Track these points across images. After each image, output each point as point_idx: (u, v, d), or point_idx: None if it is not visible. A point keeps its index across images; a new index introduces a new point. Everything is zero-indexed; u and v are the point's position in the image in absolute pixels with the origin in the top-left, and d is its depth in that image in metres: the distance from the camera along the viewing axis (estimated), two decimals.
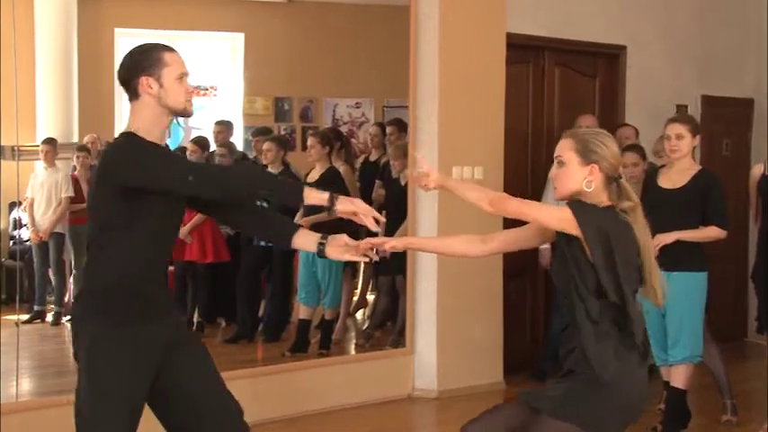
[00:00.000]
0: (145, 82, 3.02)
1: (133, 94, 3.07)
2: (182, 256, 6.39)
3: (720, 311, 6.49)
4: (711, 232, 4.91)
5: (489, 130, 6.12)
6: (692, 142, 4.99)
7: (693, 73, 7.62)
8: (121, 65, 3.10)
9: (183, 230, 6.23)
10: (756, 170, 5.19)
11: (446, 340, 5.88)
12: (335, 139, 6.18)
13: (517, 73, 6.55)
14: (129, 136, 3.03)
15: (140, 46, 3.15)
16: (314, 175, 6.10)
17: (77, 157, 6.21)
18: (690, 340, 4.94)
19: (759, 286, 5.17)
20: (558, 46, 6.86)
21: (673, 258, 4.81)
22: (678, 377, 5.00)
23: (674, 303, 4.84)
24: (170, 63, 3.07)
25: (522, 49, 6.55)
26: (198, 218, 6.24)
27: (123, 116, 6.64)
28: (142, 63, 3.06)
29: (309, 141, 6.22)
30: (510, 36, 6.21)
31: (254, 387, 5.19)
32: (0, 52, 5.17)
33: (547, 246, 6.33)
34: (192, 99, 3.15)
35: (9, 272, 5.94)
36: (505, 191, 6.12)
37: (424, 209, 5.80)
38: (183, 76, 3.09)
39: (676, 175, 5.01)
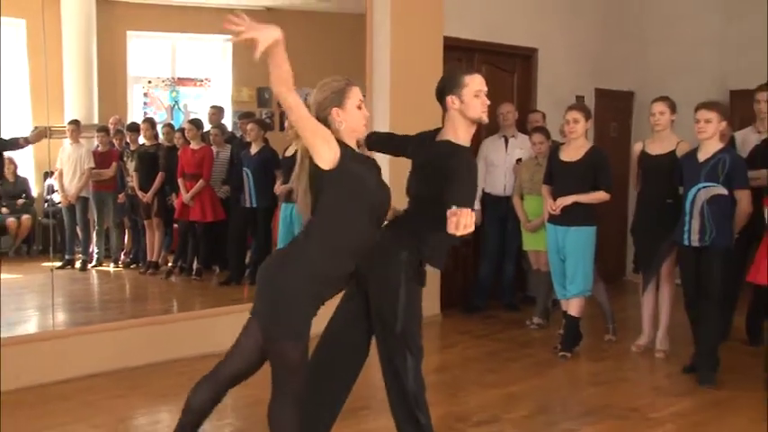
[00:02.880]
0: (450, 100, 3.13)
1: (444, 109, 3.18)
2: (186, 216, 6.35)
3: (606, 256, 6.60)
4: (600, 195, 5.05)
5: (429, 114, 5.97)
6: (585, 125, 5.11)
7: (589, 71, 7.68)
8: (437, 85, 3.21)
9: (186, 196, 6.25)
10: (637, 147, 5.30)
11: None
12: None
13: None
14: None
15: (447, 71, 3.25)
16: (291, 151, 5.87)
17: (98, 136, 6.14)
18: (583, 279, 5.10)
19: (636, 238, 5.30)
20: (485, 48, 6.86)
21: (571, 216, 5.03)
22: (573, 307, 5.18)
23: (572, 251, 5.09)
24: (468, 83, 3.13)
25: (456, 50, 6.53)
26: (198, 185, 6.22)
27: (133, 102, 6.60)
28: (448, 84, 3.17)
29: (287, 123, 6.05)
30: (447, 39, 6.21)
31: (243, 320, 5.22)
32: (30, 50, 5.14)
33: (477, 206, 6.33)
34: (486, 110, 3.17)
35: (44, 228, 5.87)
36: None
37: None
38: (480, 92, 3.13)
39: (573, 151, 5.12)
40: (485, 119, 3.16)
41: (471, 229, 2.57)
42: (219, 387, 2.89)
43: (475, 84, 3.12)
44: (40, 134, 5.34)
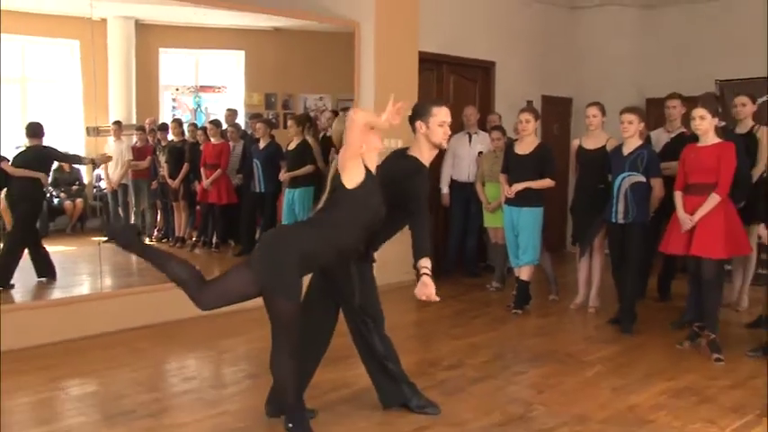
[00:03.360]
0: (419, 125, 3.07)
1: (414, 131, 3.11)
2: (206, 199, 6.36)
3: (551, 231, 6.48)
4: (547, 182, 5.10)
5: (407, 115, 6.20)
6: (535, 125, 5.15)
7: (536, 80, 7.73)
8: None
9: (206, 183, 6.22)
10: (575, 143, 5.31)
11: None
12: (306, 121, 6.13)
13: (426, 78, 6.60)
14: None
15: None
16: (292, 145, 6.02)
17: (136, 134, 6.13)
18: (532, 250, 5.17)
19: (573, 216, 5.38)
20: (452, 60, 6.91)
21: (523, 199, 5.08)
22: (524, 273, 5.26)
23: (524, 227, 5.12)
24: (436, 114, 3.04)
25: (428, 62, 6.59)
26: (216, 174, 6.21)
27: (164, 106, 6.63)
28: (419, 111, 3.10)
29: (289, 122, 6.14)
30: (421, 53, 6.25)
31: None
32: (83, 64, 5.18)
33: (446, 191, 6.42)
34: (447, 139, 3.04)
35: (93, 209, 5.89)
36: None
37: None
38: (444, 123, 3.04)
39: (525, 146, 5.16)
40: (444, 146, 3.09)
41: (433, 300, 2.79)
42: (193, 293, 2.82)
43: (441, 115, 3.07)
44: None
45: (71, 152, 5.60)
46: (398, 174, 3.08)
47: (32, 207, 4.92)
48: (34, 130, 4.78)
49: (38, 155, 4.78)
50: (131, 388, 3.62)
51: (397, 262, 6.08)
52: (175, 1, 5.11)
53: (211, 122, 6.43)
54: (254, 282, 2.76)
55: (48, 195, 5.40)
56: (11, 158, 4.83)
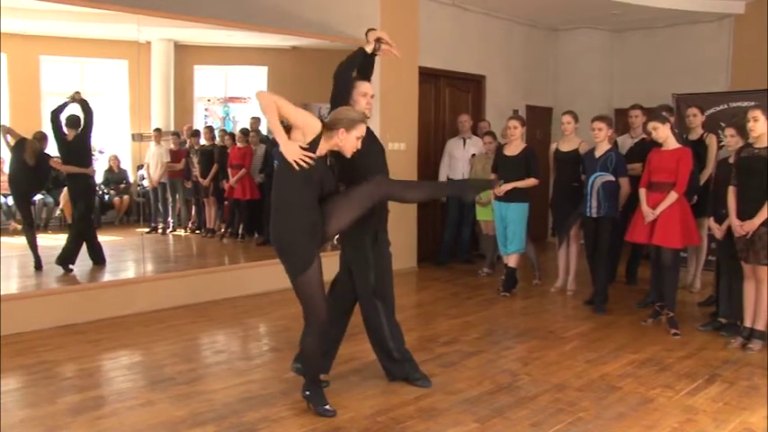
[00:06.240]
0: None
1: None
2: (232, 195, 6.33)
3: (534, 223, 6.48)
4: (531, 182, 5.09)
5: (409, 122, 6.11)
6: (521, 130, 5.15)
7: (521, 92, 7.72)
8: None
9: (232, 181, 6.19)
10: (552, 146, 5.34)
11: None
12: None
13: (425, 90, 6.59)
14: None
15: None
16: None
17: (171, 139, 6.07)
18: (519, 240, 5.18)
19: (553, 210, 5.36)
20: (448, 74, 6.89)
21: (511, 196, 5.07)
22: (512, 260, 5.26)
23: (511, 220, 5.13)
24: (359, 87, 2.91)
25: (427, 76, 6.56)
26: (241, 173, 6.18)
27: (198, 115, 6.63)
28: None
29: None
30: (421, 68, 6.24)
31: (275, 271, 5.24)
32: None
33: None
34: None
35: (137, 205, 5.90)
36: (418, 158, 6.12)
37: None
38: (365, 94, 2.93)
39: (512, 149, 5.16)
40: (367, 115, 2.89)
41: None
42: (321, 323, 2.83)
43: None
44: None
45: (119, 157, 5.69)
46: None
47: (88, 203, 4.95)
48: (73, 122, 4.75)
49: (77, 143, 4.75)
50: (170, 359, 3.65)
51: (399, 250, 6.16)
52: (208, 25, 5.10)
53: (240, 131, 6.44)
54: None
55: (99, 192, 5.45)
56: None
